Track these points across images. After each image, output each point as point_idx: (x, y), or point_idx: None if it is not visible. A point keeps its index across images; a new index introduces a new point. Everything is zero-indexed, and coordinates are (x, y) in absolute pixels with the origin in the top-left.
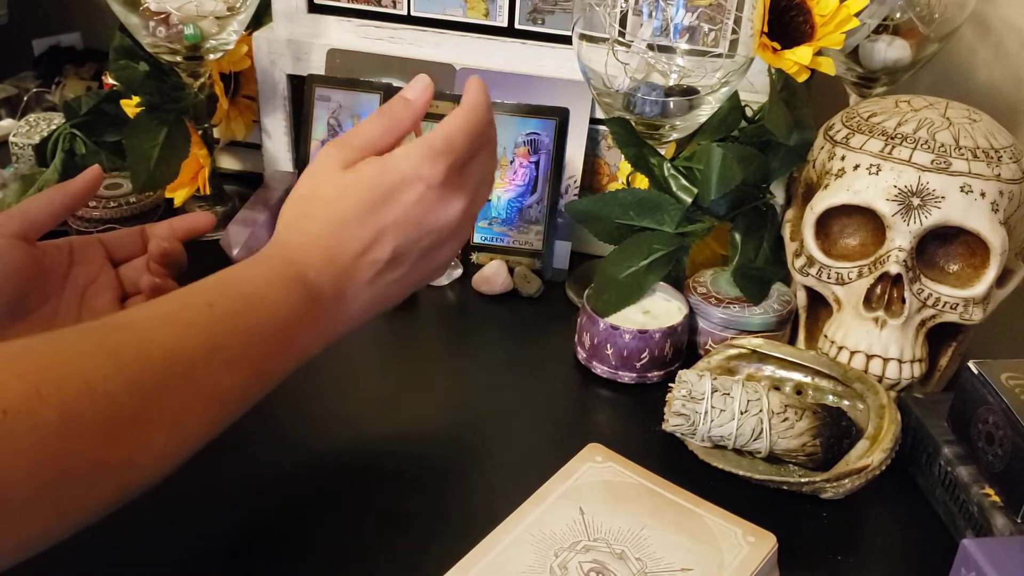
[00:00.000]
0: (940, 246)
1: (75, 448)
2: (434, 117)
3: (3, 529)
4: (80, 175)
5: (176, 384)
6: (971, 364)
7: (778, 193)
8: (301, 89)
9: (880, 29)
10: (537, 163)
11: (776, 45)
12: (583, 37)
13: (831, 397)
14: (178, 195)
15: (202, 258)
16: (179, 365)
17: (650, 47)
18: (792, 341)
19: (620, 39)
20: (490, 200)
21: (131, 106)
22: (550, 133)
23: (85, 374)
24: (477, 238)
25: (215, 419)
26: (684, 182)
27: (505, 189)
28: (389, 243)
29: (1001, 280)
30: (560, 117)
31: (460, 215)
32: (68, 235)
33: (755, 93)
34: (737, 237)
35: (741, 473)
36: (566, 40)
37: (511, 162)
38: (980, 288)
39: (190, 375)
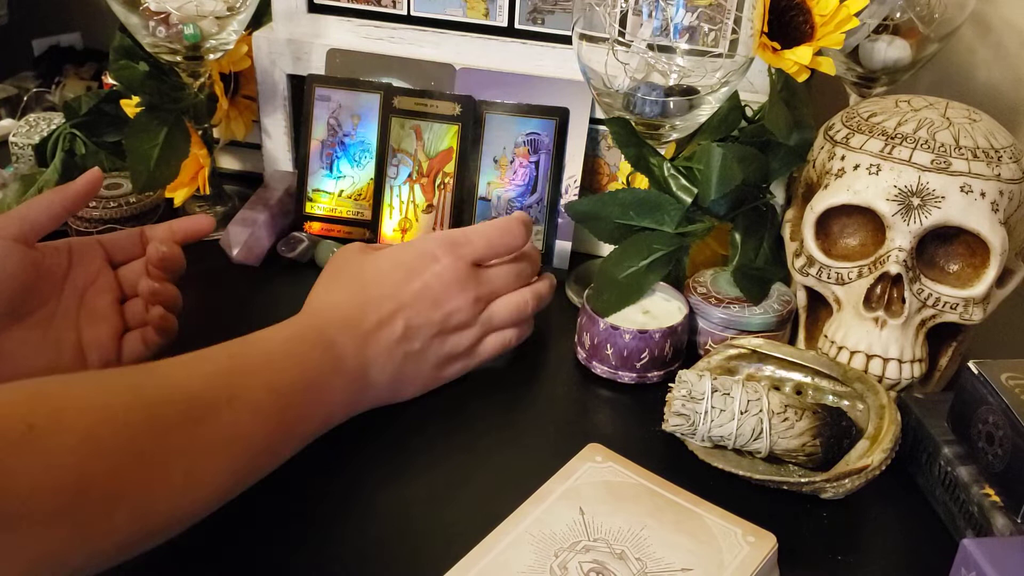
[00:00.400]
0: (940, 246)
1: (94, 470)
2: (435, 117)
3: (25, 539)
4: (80, 177)
5: (196, 423)
6: (971, 364)
7: (778, 193)
8: (301, 89)
9: (880, 29)
10: (537, 163)
11: (776, 45)
12: (583, 37)
13: (831, 397)
14: (178, 195)
15: (202, 258)
16: (199, 407)
17: (650, 47)
18: (792, 341)
19: (620, 39)
20: (489, 200)
21: (131, 106)
22: (550, 133)
23: (107, 404)
24: None
25: (238, 464)
26: (684, 182)
27: (505, 189)
28: (403, 317)
29: (1001, 280)
30: (560, 117)
31: (471, 306)
32: (67, 235)
33: (755, 93)
34: (737, 237)
35: (741, 473)
36: (566, 40)
37: (511, 162)
38: (980, 288)
39: (210, 417)
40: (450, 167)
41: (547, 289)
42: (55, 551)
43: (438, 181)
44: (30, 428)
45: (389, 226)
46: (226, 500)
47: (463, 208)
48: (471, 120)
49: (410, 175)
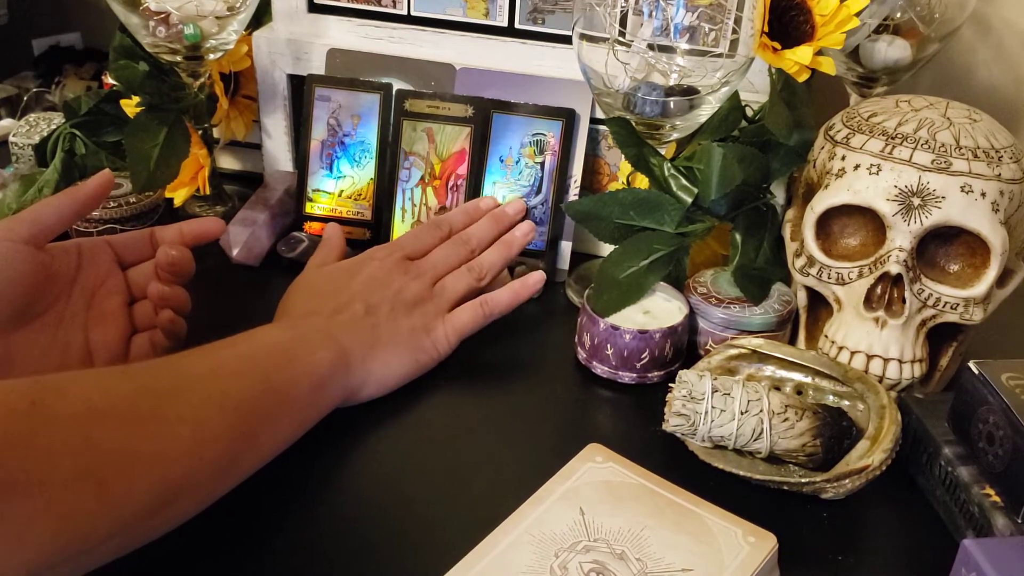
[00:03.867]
0: (940, 246)
1: (102, 432)
2: (440, 118)
3: (49, 503)
4: (91, 179)
5: (185, 390)
6: (971, 364)
7: (778, 193)
8: (301, 89)
9: (880, 29)
10: (542, 164)
11: (776, 45)
12: (583, 37)
13: (831, 397)
14: (178, 195)
15: (202, 258)
16: (184, 378)
17: (650, 47)
18: (792, 341)
19: (620, 39)
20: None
21: (131, 106)
22: (556, 134)
23: (99, 380)
24: None
25: (235, 431)
26: (684, 182)
27: (510, 189)
28: (359, 300)
29: (1001, 280)
30: (566, 118)
31: (417, 284)
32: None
33: (755, 93)
34: (737, 237)
35: (741, 473)
36: (566, 40)
37: (516, 163)
38: (980, 288)
39: (197, 386)
40: (462, 169)
41: (499, 259)
42: (80, 514)
43: (450, 183)
44: (33, 404)
45: (401, 229)
46: (233, 470)
47: None
48: (483, 122)
49: (422, 178)
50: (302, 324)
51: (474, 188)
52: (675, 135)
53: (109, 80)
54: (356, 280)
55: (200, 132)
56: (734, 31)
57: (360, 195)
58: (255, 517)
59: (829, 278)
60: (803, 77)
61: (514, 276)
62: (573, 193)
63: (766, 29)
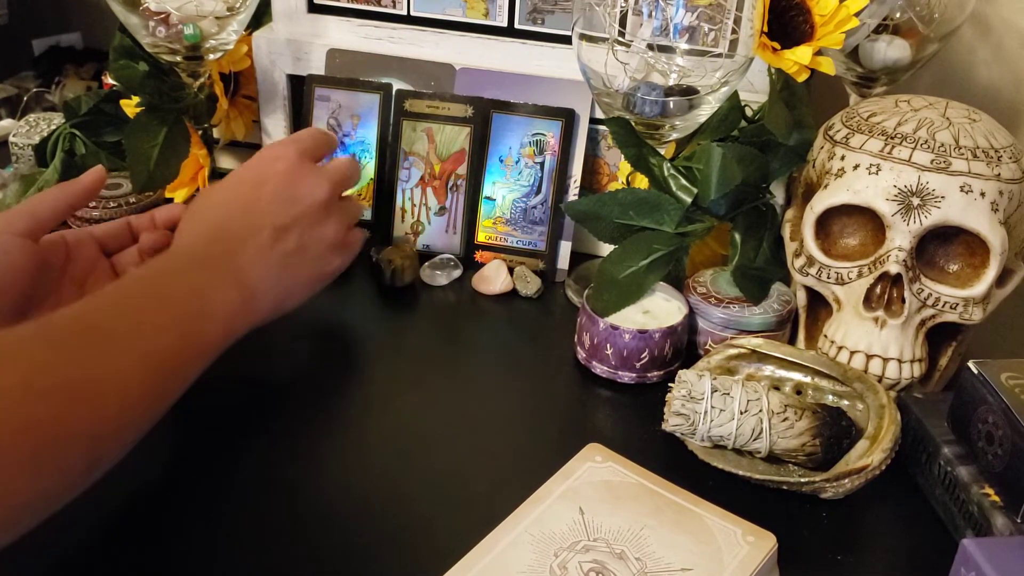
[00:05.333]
0: (940, 246)
1: (40, 418)
2: (440, 119)
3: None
4: (85, 174)
5: (110, 354)
6: (971, 364)
7: (778, 193)
8: (301, 89)
9: (880, 29)
10: (542, 164)
11: (776, 45)
12: (583, 37)
13: (831, 397)
14: (178, 195)
15: None
16: (109, 340)
17: (650, 47)
18: (792, 341)
19: (620, 39)
20: (494, 200)
21: (131, 106)
22: (556, 134)
23: (32, 354)
24: (481, 238)
25: (157, 386)
26: (684, 182)
27: (510, 189)
28: (268, 224)
29: (1001, 280)
30: (566, 118)
31: (328, 195)
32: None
33: (755, 93)
34: (737, 237)
35: (741, 473)
36: (566, 40)
37: (516, 163)
38: (980, 288)
39: (122, 346)
40: (462, 169)
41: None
42: (8, 493)
43: (450, 183)
44: None
45: (401, 229)
46: (148, 425)
47: (476, 210)
48: (482, 122)
49: (422, 178)
50: (211, 258)
51: (474, 188)
52: (675, 135)
53: (109, 80)
54: (264, 192)
55: (200, 132)
56: (733, 31)
57: (360, 195)
58: (254, 517)
59: (828, 278)
60: (802, 77)
61: (513, 276)
62: (573, 193)
63: (765, 29)
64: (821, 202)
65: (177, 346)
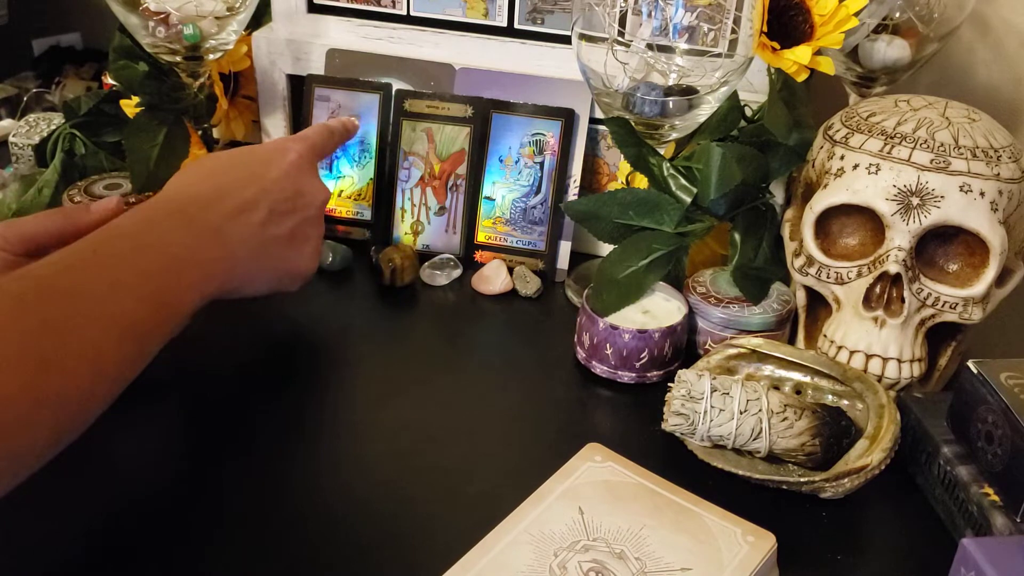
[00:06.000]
0: (939, 246)
1: (9, 390)
2: (440, 119)
3: None
4: (101, 205)
5: (84, 320)
6: (971, 363)
7: (777, 193)
8: (301, 89)
9: (880, 29)
10: (542, 164)
11: (775, 45)
12: (582, 37)
13: (830, 397)
14: None
15: None
16: (83, 302)
17: (649, 47)
18: (791, 341)
19: (619, 39)
20: (493, 200)
21: (131, 106)
22: (555, 134)
23: (2, 322)
24: (481, 238)
25: (132, 353)
26: (683, 182)
27: (510, 189)
28: (264, 204)
29: (1001, 280)
30: (566, 118)
31: (324, 202)
32: None
33: (754, 93)
34: (737, 237)
35: (740, 473)
36: (566, 40)
37: (516, 162)
38: (980, 288)
39: (96, 310)
40: (462, 169)
41: None
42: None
43: (450, 183)
44: None
45: (401, 229)
46: (119, 389)
47: (475, 210)
48: (482, 122)
49: (422, 178)
50: (201, 221)
51: (474, 188)
52: (674, 135)
53: (109, 80)
54: (271, 173)
55: (200, 132)
56: (733, 31)
57: (360, 195)
58: (253, 518)
59: (828, 277)
60: (802, 77)
61: (513, 276)
62: (572, 193)
63: (765, 29)
64: (821, 202)
65: (151, 307)
